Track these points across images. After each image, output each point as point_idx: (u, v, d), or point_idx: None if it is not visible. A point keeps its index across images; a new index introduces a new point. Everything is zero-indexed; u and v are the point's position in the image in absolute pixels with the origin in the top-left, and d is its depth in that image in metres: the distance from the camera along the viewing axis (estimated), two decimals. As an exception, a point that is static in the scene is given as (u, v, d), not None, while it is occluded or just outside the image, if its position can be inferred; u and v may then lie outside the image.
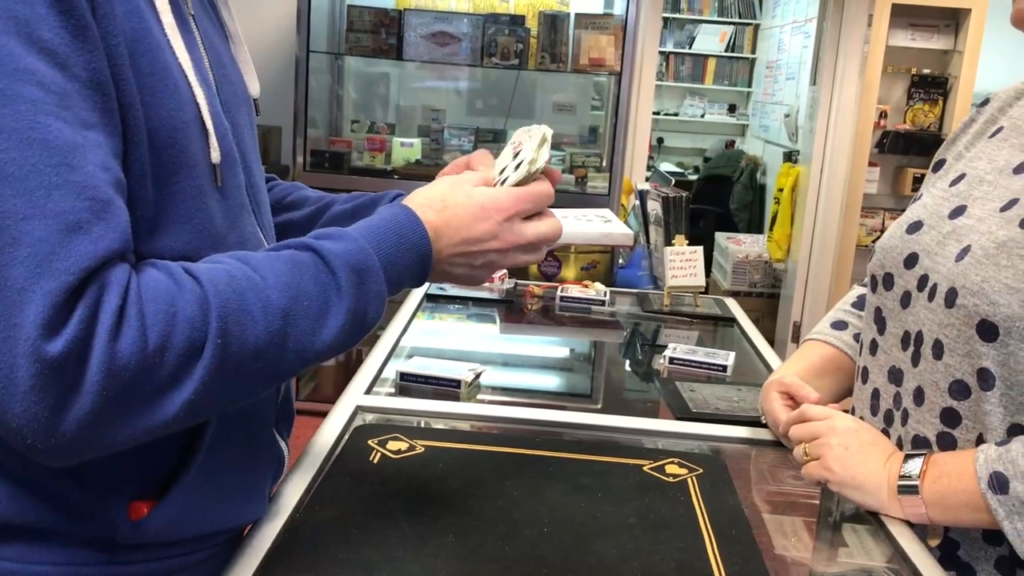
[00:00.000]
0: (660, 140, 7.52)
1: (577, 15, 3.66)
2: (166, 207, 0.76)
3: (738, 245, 5.29)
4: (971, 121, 1.16)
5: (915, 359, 1.03)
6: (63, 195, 0.64)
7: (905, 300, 1.06)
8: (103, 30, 0.69)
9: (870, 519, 1.02)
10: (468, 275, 0.88)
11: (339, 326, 0.76)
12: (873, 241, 4.12)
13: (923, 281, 1.03)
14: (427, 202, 0.86)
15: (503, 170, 0.91)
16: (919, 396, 1.02)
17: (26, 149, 0.63)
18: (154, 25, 0.76)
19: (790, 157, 5.32)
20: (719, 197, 6.21)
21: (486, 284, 2.00)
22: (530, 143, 0.91)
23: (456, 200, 0.86)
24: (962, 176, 1.09)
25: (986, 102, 1.15)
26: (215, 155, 0.80)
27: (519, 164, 0.89)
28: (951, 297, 0.97)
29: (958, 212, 1.04)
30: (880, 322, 1.11)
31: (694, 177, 6.84)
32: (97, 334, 0.64)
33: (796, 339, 4.45)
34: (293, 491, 0.98)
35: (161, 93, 0.74)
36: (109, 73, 0.69)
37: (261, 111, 1.00)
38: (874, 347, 1.12)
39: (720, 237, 5.57)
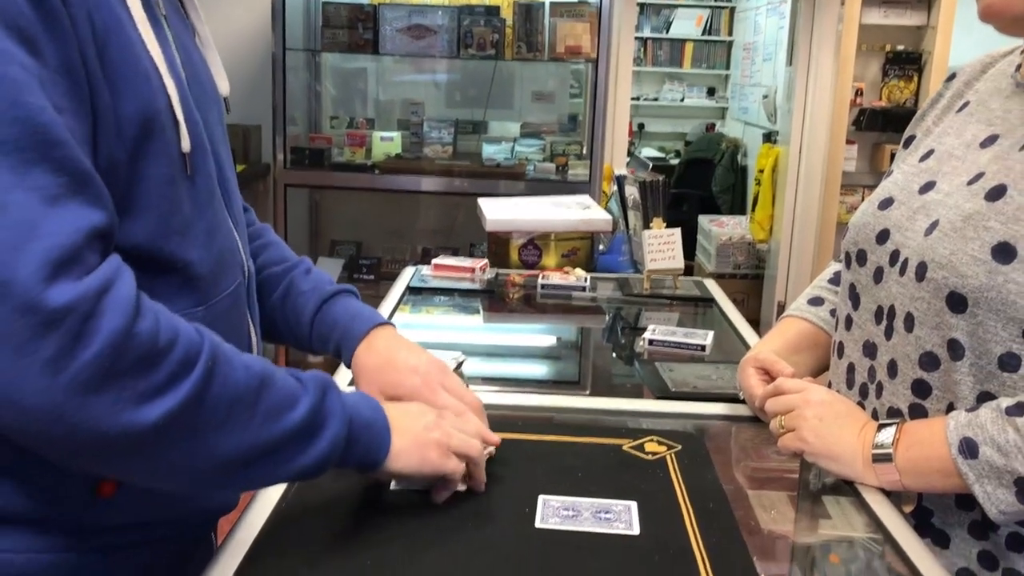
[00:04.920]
0: (641, 125, 7.53)
1: (552, 3, 3.67)
2: (135, 193, 0.79)
3: (721, 227, 5.31)
4: (939, 97, 1.18)
5: (888, 333, 1.05)
6: (45, 170, 0.67)
7: (878, 275, 1.08)
8: (73, 18, 0.71)
9: (850, 490, 1.04)
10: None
11: (303, 415, 0.81)
12: (853, 219, 4.15)
13: (895, 256, 1.05)
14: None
15: None
16: (892, 369, 1.04)
17: (9, 127, 0.66)
18: (127, 20, 0.78)
19: (770, 138, 5.34)
20: (701, 180, 6.24)
21: (467, 275, 2.01)
22: None
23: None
24: (931, 152, 1.10)
25: (952, 77, 1.17)
26: (185, 144, 0.83)
27: None
28: (921, 271, 0.99)
29: (928, 187, 1.06)
30: (854, 298, 1.13)
31: (676, 161, 6.86)
32: (111, 306, 0.68)
33: (781, 319, 4.47)
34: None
35: (132, 82, 0.77)
36: (80, 61, 0.72)
37: (235, 110, 1.03)
38: (849, 322, 1.14)
39: (703, 220, 5.59)
